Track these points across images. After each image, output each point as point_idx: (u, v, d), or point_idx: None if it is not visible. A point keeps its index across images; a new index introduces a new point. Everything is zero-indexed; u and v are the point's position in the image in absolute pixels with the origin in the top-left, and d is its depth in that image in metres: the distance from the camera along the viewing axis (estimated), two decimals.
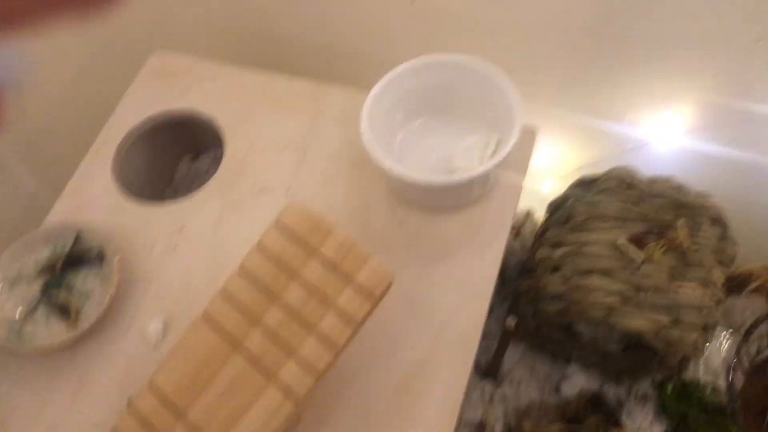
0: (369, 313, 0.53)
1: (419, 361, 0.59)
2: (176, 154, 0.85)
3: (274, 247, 0.55)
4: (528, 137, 0.70)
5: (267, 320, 0.54)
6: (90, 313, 0.62)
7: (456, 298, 0.62)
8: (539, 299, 0.68)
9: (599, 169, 0.75)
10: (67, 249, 0.65)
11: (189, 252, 0.66)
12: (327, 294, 0.54)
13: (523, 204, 0.87)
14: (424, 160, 0.68)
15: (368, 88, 0.65)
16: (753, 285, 0.76)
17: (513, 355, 0.79)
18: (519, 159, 0.69)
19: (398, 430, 0.57)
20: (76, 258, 0.65)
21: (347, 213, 0.67)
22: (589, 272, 0.66)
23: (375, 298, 0.53)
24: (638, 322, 0.63)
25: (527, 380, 0.78)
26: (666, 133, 0.80)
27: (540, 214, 0.85)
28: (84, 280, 0.64)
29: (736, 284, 0.78)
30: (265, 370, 0.53)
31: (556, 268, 0.68)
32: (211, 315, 0.55)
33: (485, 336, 0.80)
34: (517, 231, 0.84)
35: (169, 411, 0.53)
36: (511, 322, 0.65)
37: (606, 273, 0.65)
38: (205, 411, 0.53)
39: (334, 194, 0.68)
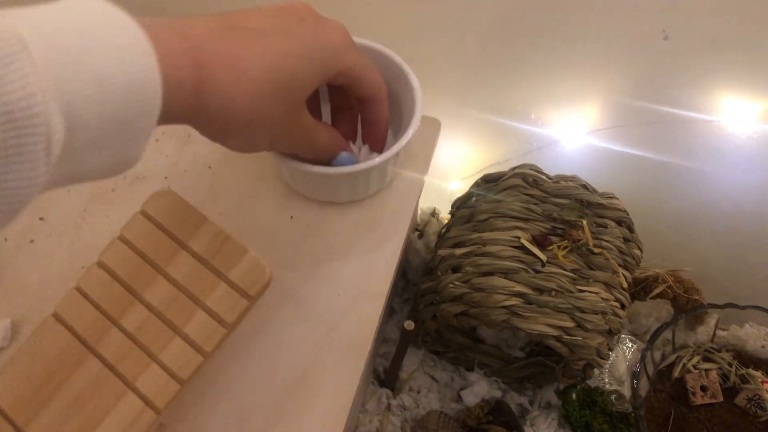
0: (243, 314, 0.48)
1: (304, 368, 0.54)
2: None
3: (137, 239, 0.49)
4: (431, 128, 0.66)
5: (127, 320, 0.48)
6: None
7: (348, 298, 0.57)
8: (439, 301, 0.64)
9: (506, 168, 0.71)
10: None
11: (47, 246, 0.58)
12: (195, 293, 0.48)
13: (429, 203, 0.84)
14: None
15: None
16: (657, 289, 0.75)
17: (413, 363, 0.75)
18: (421, 151, 0.65)
19: None
20: None
21: (232, 205, 0.61)
22: (490, 273, 0.62)
23: (250, 297, 0.48)
24: (540, 325, 0.60)
25: (427, 388, 0.74)
26: (573, 132, 0.78)
27: (446, 215, 0.82)
28: None
29: (640, 289, 0.76)
30: (124, 375, 0.46)
31: (457, 269, 0.64)
32: (63, 314, 0.48)
33: (385, 342, 0.76)
34: (421, 231, 0.80)
35: (5, 428, 0.46)
36: (409, 324, 0.61)
37: (507, 274, 0.62)
38: (49, 423, 0.46)
39: (218, 185, 0.62)
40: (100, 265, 0.49)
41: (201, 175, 0.62)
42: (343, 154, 0.55)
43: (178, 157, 0.63)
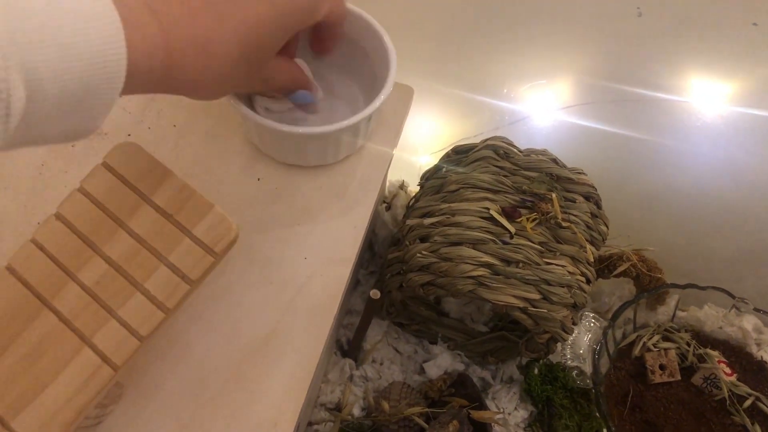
0: (207, 271, 0.46)
1: (268, 331, 0.53)
2: None
3: (98, 191, 0.47)
4: (404, 95, 0.66)
5: (85, 274, 0.46)
6: None
7: (315, 263, 0.56)
8: (406, 270, 0.64)
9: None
10: None
11: (1, 200, 0.56)
12: (158, 248, 0.46)
13: (398, 177, 0.83)
14: (291, 111, 0.61)
15: None
16: (621, 267, 0.75)
17: (376, 334, 0.74)
18: (393, 118, 0.65)
19: (238, 409, 0.50)
20: None
21: (197, 166, 0.59)
22: (458, 243, 0.61)
23: (215, 254, 0.46)
24: (506, 296, 0.60)
25: (390, 360, 0.73)
26: (544, 108, 0.78)
27: (414, 188, 0.81)
28: None
29: (604, 266, 0.77)
30: (81, 330, 0.45)
31: (424, 238, 0.64)
32: (17, 266, 0.46)
33: (349, 313, 0.75)
34: (388, 204, 0.80)
35: None
36: (375, 293, 0.60)
37: (476, 244, 0.61)
38: (0, 379, 0.44)
39: (182, 144, 0.60)
40: (58, 217, 0.47)
41: (165, 133, 0.60)
42: (301, 93, 0.54)
43: (142, 114, 0.61)
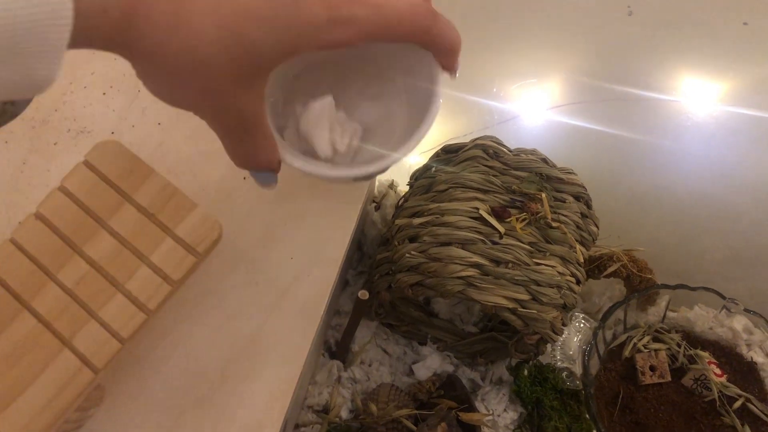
0: (190, 271, 0.46)
1: (253, 332, 0.52)
2: None
3: (79, 190, 0.46)
4: None
5: (65, 275, 0.45)
6: None
7: (302, 263, 0.56)
8: (395, 271, 0.63)
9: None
10: None
11: None
12: (139, 248, 0.45)
13: (387, 176, 0.82)
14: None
15: None
16: (612, 268, 0.75)
17: (365, 335, 0.73)
18: None
19: (223, 412, 0.49)
20: None
21: (182, 164, 0.59)
22: (447, 243, 0.61)
23: (198, 254, 0.45)
24: (496, 297, 0.59)
25: (379, 361, 0.72)
26: (534, 108, 0.77)
27: (403, 187, 0.81)
28: None
29: (595, 267, 0.76)
30: (60, 332, 0.44)
31: (414, 238, 0.63)
32: None
33: (337, 314, 0.74)
34: (378, 203, 0.79)
35: None
36: (363, 293, 0.59)
37: (465, 244, 0.61)
38: None
39: (167, 142, 0.59)
40: (38, 216, 0.46)
41: (149, 131, 0.60)
42: (265, 174, 0.46)
43: (127, 111, 0.60)
